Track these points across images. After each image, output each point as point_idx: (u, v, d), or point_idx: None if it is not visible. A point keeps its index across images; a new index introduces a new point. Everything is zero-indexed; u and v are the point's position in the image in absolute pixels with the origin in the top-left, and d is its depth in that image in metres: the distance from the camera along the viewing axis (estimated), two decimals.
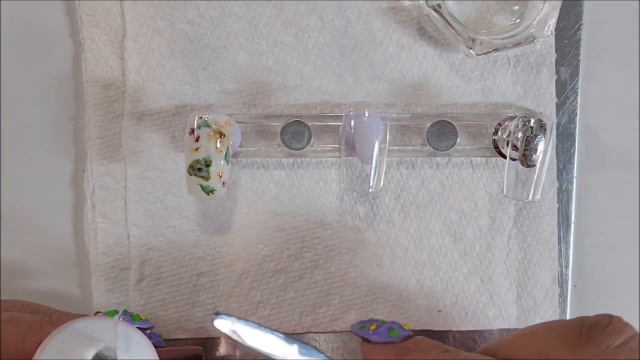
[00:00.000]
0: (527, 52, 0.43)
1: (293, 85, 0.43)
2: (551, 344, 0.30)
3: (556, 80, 0.43)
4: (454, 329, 0.44)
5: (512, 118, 0.41)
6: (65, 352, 0.29)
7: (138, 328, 0.33)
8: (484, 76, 0.43)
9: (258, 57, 0.42)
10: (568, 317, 0.44)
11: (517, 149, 0.39)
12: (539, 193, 0.40)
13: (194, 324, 0.43)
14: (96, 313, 0.37)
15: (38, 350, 0.29)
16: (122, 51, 0.42)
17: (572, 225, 0.44)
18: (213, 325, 0.32)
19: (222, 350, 0.43)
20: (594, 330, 0.30)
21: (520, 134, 0.39)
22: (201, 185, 0.37)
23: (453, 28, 0.40)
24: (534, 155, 0.39)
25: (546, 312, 0.44)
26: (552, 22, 0.40)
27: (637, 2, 0.44)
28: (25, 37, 0.43)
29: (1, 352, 0.31)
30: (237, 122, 0.41)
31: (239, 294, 0.43)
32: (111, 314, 0.36)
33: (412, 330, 0.44)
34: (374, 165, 0.39)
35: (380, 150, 0.39)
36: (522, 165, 0.39)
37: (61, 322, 0.32)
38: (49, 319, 0.32)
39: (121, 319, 0.35)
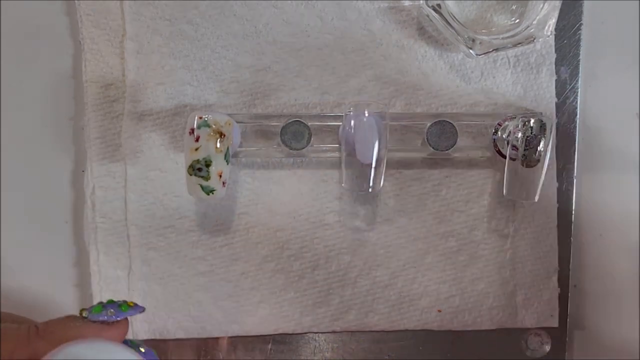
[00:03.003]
0: (527, 52, 0.43)
1: (293, 85, 0.43)
2: None
3: (556, 80, 0.43)
4: (454, 329, 0.44)
5: (512, 118, 0.41)
6: None
7: (128, 318, 0.33)
8: (484, 76, 0.43)
9: (258, 57, 0.42)
10: (568, 317, 0.44)
11: (517, 149, 0.39)
12: (539, 193, 0.40)
13: (194, 323, 0.43)
14: (81, 310, 0.36)
15: None
16: (122, 51, 0.42)
17: (572, 225, 0.44)
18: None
19: (222, 350, 0.44)
20: None
21: (520, 134, 0.39)
22: (201, 185, 0.37)
23: (453, 28, 0.40)
24: (534, 155, 0.39)
25: (546, 312, 0.44)
26: (552, 22, 0.40)
27: (637, 2, 0.44)
28: (25, 37, 0.43)
29: None
30: (237, 122, 0.41)
31: (239, 294, 0.43)
32: (97, 309, 0.35)
33: (412, 331, 0.44)
34: (374, 165, 0.39)
35: (380, 150, 0.39)
36: (522, 165, 0.39)
37: (48, 334, 0.31)
38: (36, 330, 0.32)
39: (111, 312, 0.34)
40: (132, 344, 0.35)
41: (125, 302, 0.35)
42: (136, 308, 0.35)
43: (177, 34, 0.42)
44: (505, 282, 0.44)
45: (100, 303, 0.35)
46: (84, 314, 0.35)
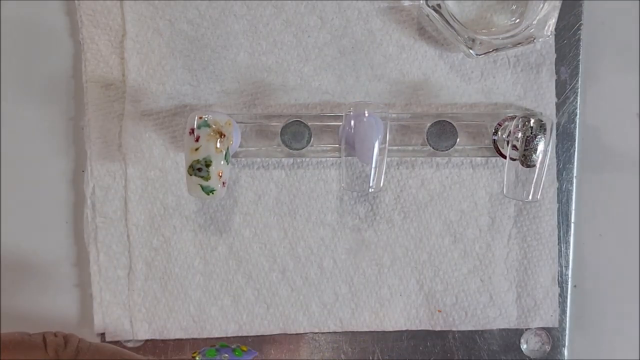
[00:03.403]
0: (527, 52, 0.43)
1: (293, 85, 0.43)
2: None
3: (556, 80, 0.43)
4: (454, 329, 0.44)
5: (512, 118, 0.41)
6: None
7: None
8: (484, 76, 0.43)
9: (258, 57, 0.42)
10: (568, 317, 0.44)
11: (517, 149, 0.39)
12: (539, 193, 0.40)
13: (193, 323, 0.43)
14: (194, 354, 0.35)
15: None
16: (122, 51, 0.42)
17: (572, 225, 0.44)
18: None
19: None
20: None
21: (520, 134, 0.39)
22: (201, 185, 0.37)
23: (453, 28, 0.40)
24: (534, 155, 0.39)
25: (546, 312, 0.44)
26: (552, 22, 0.40)
27: (637, 2, 0.44)
28: (25, 37, 0.43)
29: None
30: (237, 122, 0.41)
31: (238, 294, 0.43)
32: (211, 353, 0.34)
33: (412, 331, 0.44)
34: (374, 165, 0.39)
35: (380, 150, 0.39)
36: (522, 165, 0.39)
37: None
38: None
39: (225, 357, 0.33)
40: (235, 352, 0.34)
41: (239, 346, 0.34)
42: (250, 353, 0.35)
43: (177, 34, 0.42)
44: (505, 282, 0.44)
45: (214, 346, 0.34)
46: (197, 358, 0.34)
